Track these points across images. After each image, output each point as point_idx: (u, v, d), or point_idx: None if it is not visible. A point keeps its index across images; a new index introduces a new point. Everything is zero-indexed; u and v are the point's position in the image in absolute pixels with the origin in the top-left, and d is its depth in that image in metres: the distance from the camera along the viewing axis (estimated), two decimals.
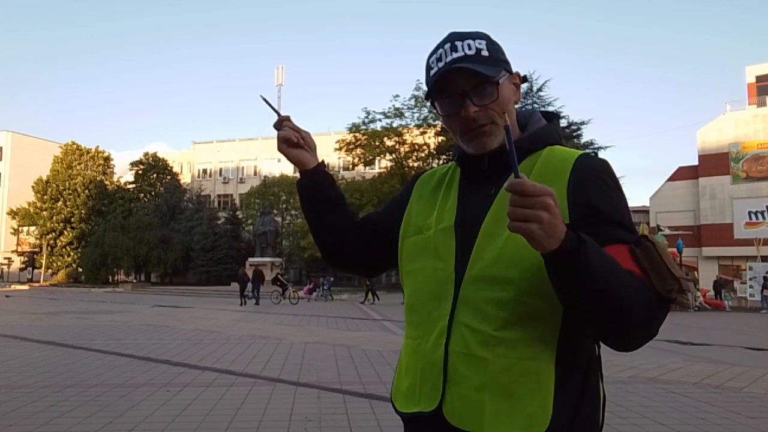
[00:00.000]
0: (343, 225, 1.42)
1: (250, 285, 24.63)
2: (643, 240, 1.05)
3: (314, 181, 1.42)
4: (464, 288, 1.14)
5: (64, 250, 50.99)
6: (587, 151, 1.21)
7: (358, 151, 38.57)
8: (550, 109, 34.43)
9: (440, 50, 1.18)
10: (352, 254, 1.44)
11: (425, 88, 1.24)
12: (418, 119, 37.49)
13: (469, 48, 1.16)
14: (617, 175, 1.16)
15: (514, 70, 1.23)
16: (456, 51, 1.16)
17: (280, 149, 1.43)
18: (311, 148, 1.43)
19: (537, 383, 1.07)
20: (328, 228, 1.43)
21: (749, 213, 37.33)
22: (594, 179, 1.11)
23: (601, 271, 0.95)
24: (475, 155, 1.21)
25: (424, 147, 37.89)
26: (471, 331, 1.10)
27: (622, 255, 1.03)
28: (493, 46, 1.19)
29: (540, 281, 1.04)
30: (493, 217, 1.14)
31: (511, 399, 1.06)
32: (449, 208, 1.23)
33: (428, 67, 1.21)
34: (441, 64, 1.17)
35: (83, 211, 50.92)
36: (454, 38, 1.18)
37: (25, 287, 39.97)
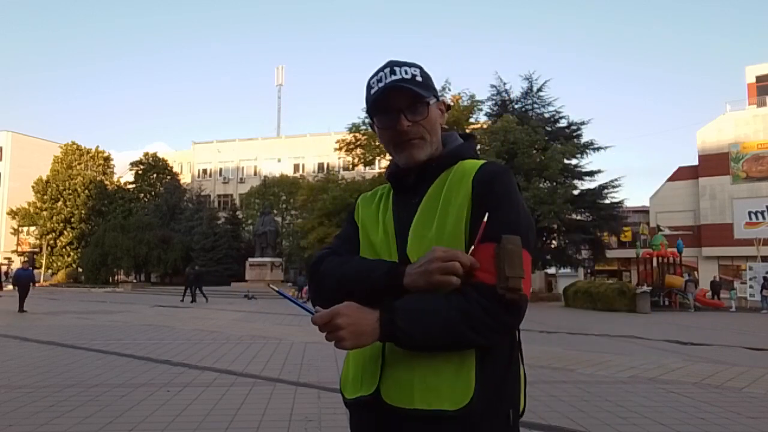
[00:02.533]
0: None
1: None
2: (504, 242, 1.20)
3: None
4: None
5: (64, 250, 50.96)
6: (494, 160, 1.52)
7: (358, 151, 38.55)
8: (550, 109, 34.51)
9: (380, 73, 1.36)
10: None
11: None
12: None
13: (406, 73, 1.35)
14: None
15: (441, 96, 1.45)
16: (394, 74, 1.34)
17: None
18: (353, 323, 1.22)
19: (460, 364, 1.22)
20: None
21: (749, 213, 37.35)
22: (492, 186, 1.29)
23: (423, 334, 1.18)
24: (404, 171, 1.40)
25: None
26: None
27: (486, 252, 1.21)
28: (424, 74, 1.39)
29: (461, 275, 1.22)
30: (418, 222, 1.34)
31: (437, 377, 1.21)
32: (388, 219, 1.42)
33: (369, 87, 1.39)
34: (381, 84, 1.34)
35: (83, 211, 50.88)
36: (393, 64, 1.37)
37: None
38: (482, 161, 1.38)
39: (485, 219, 1.23)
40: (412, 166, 1.38)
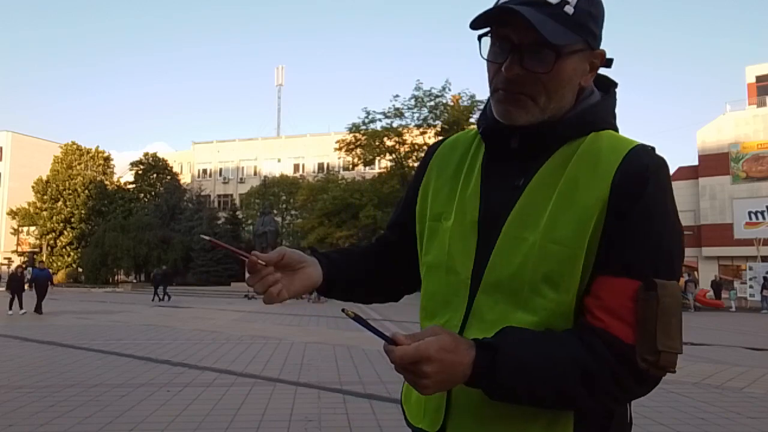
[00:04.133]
0: (379, 279, 1.22)
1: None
2: (652, 287, 0.85)
3: (334, 288, 1.15)
4: (479, 299, 0.97)
5: (64, 250, 50.95)
6: (644, 143, 0.95)
7: (358, 151, 38.54)
8: None
9: None
10: (401, 285, 1.25)
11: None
12: (418, 119, 37.45)
13: None
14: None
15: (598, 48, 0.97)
16: None
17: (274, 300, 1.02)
18: (294, 262, 1.03)
19: (554, 421, 0.91)
20: (370, 294, 1.25)
21: (749, 213, 37.32)
22: (640, 190, 0.90)
23: (528, 394, 0.86)
24: (504, 131, 0.99)
25: (424, 147, 37.85)
26: None
27: (621, 292, 0.87)
28: (588, 4, 0.92)
29: (573, 301, 0.91)
30: (518, 216, 0.96)
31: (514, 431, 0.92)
32: (471, 197, 1.02)
33: None
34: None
35: (83, 211, 50.86)
36: None
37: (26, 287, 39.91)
38: (629, 141, 0.96)
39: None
40: (514, 126, 0.97)
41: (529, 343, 0.87)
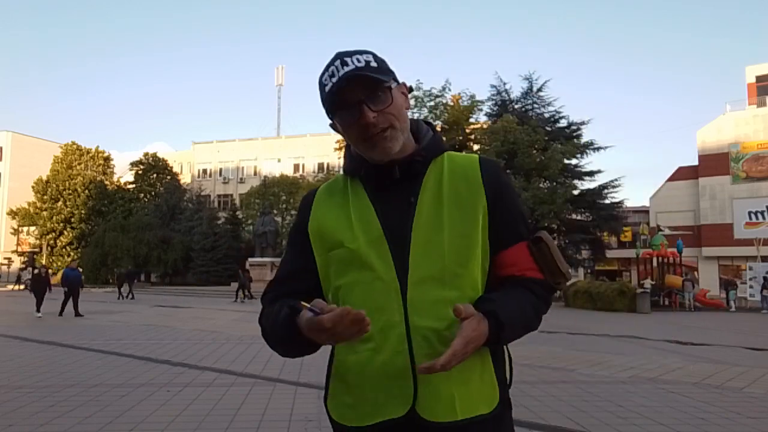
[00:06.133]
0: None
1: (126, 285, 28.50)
2: (538, 240, 1.27)
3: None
4: (411, 293, 1.20)
5: (64, 250, 50.93)
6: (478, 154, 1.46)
7: None
8: (550, 109, 34.51)
9: (331, 67, 1.22)
10: None
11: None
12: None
13: (358, 61, 1.21)
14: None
15: (401, 81, 1.32)
16: (347, 65, 1.20)
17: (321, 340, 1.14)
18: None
19: (482, 366, 1.23)
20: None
21: (749, 213, 37.32)
22: (502, 186, 1.29)
23: (517, 329, 1.22)
24: (384, 165, 1.25)
25: None
26: (431, 331, 1.18)
27: (522, 252, 1.27)
28: (378, 59, 1.25)
29: (479, 276, 1.25)
30: (423, 224, 1.23)
31: (469, 384, 1.20)
32: (369, 220, 1.25)
33: (322, 85, 1.24)
34: (335, 79, 1.21)
35: (83, 211, 50.86)
36: (341, 56, 1.23)
37: (19, 287, 39.80)
38: (472, 155, 1.34)
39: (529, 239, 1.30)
40: (391, 161, 1.25)
41: (506, 301, 1.20)
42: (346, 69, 1.20)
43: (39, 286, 16.58)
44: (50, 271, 19.01)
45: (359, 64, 1.21)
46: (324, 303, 1.09)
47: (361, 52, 1.24)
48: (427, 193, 1.26)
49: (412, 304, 1.19)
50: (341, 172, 1.39)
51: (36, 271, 18.79)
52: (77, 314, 16.13)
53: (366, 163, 1.28)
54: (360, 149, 1.27)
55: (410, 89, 1.33)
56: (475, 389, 1.21)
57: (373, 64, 1.23)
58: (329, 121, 1.30)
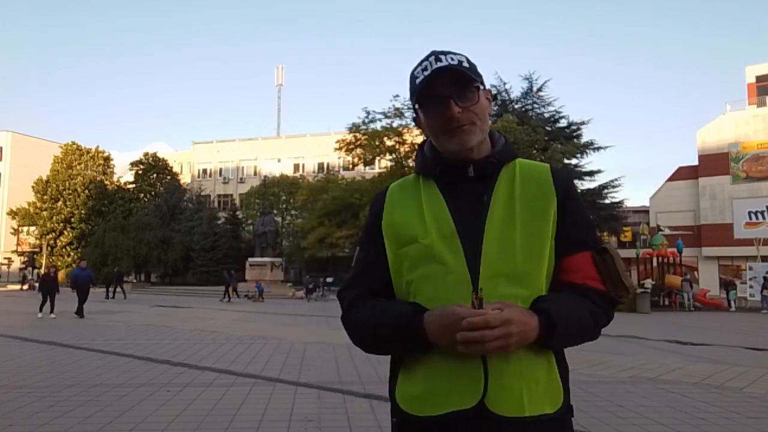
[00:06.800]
0: None
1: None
2: (604, 251, 1.31)
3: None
4: (483, 286, 1.23)
5: (64, 250, 50.92)
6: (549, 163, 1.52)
7: (358, 151, 38.49)
8: (550, 109, 34.52)
9: (425, 62, 1.30)
10: None
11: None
12: None
13: (452, 59, 1.29)
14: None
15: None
16: (440, 62, 1.28)
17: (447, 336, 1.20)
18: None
19: (549, 367, 1.27)
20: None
21: (749, 213, 37.34)
22: (572, 194, 1.35)
23: (571, 332, 1.25)
24: (459, 163, 1.32)
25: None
26: None
27: (586, 261, 1.31)
28: (471, 62, 1.32)
29: (548, 276, 1.29)
30: (496, 221, 1.28)
31: (537, 383, 1.24)
32: (442, 216, 1.30)
33: (413, 77, 1.32)
34: (427, 72, 1.28)
35: (83, 211, 50.85)
36: (437, 54, 1.30)
37: (25, 287, 39.85)
38: (545, 165, 1.39)
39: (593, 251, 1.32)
40: (466, 156, 1.31)
41: (562, 303, 1.24)
42: (439, 65, 1.27)
43: (47, 286, 16.27)
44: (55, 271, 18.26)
45: (452, 62, 1.28)
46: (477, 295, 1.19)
47: (455, 53, 1.31)
48: (500, 192, 1.31)
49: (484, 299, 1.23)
50: (413, 171, 1.43)
51: (43, 270, 18.58)
52: (79, 314, 15.98)
53: (441, 161, 1.34)
54: (439, 141, 1.33)
55: (494, 97, 1.41)
56: (542, 388, 1.24)
57: (466, 64, 1.29)
58: (413, 115, 1.38)
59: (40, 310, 15.81)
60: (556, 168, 1.38)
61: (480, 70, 1.34)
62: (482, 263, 1.24)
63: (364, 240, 1.44)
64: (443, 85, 1.27)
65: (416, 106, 1.33)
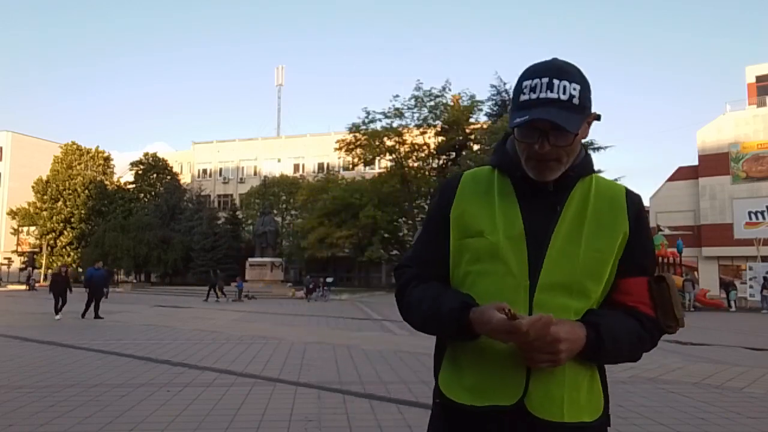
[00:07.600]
0: None
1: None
2: (661, 279, 1.31)
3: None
4: (539, 295, 1.25)
5: (64, 250, 50.93)
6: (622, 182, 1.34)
7: (358, 151, 38.52)
8: None
9: (537, 81, 1.24)
10: None
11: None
12: (417, 119, 37.43)
13: (564, 92, 1.22)
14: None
15: (592, 110, 1.33)
16: (551, 90, 1.22)
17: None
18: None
19: (591, 377, 1.30)
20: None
21: (749, 213, 37.31)
22: (642, 219, 1.35)
23: (618, 348, 1.26)
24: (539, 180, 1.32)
25: (424, 147, 37.87)
26: None
27: (642, 286, 1.32)
28: (584, 92, 1.26)
29: (603, 293, 1.32)
30: (564, 233, 1.29)
31: (579, 391, 1.27)
32: (512, 217, 1.30)
33: (520, 87, 1.27)
34: (534, 96, 1.23)
35: (83, 211, 50.87)
36: (553, 75, 1.23)
37: (24, 287, 39.86)
38: (620, 185, 1.40)
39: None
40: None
41: (612, 320, 1.26)
42: (549, 95, 1.22)
43: (58, 286, 15.56)
44: (70, 271, 17.77)
45: (563, 96, 1.22)
46: (509, 306, 1.16)
47: (571, 78, 1.24)
48: (573, 205, 1.32)
49: (537, 306, 1.24)
50: (488, 164, 1.42)
51: (55, 272, 17.64)
52: (96, 316, 15.30)
53: (523, 170, 1.32)
54: (522, 162, 1.30)
55: (598, 117, 1.34)
56: (583, 397, 1.27)
57: (576, 101, 1.23)
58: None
59: (56, 312, 15.13)
60: (630, 191, 1.37)
61: (591, 92, 1.30)
62: (543, 270, 1.26)
63: (427, 222, 1.44)
64: (543, 121, 1.22)
65: (512, 121, 1.29)
